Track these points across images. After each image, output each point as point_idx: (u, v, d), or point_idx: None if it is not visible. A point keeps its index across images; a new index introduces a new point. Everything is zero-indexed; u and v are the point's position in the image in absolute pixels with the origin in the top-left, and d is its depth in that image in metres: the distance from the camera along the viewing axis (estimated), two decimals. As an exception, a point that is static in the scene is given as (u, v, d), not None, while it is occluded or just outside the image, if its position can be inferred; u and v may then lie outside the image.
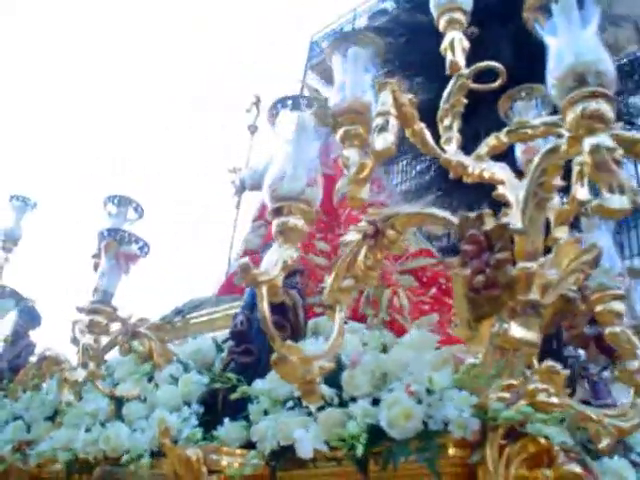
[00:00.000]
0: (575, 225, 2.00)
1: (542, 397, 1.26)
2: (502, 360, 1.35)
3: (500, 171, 1.59)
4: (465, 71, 1.96)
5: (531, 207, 1.39)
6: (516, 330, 1.35)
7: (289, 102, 1.58)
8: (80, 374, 1.93)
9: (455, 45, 2.04)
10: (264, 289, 1.38)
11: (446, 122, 2.00)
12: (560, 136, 1.54)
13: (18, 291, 2.86)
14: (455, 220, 1.44)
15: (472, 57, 2.78)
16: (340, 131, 1.73)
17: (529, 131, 1.73)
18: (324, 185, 3.26)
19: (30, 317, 2.85)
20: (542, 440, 1.25)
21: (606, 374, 2.38)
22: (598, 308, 1.80)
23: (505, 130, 1.75)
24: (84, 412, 1.94)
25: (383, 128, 1.57)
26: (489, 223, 1.38)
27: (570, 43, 1.34)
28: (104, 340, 2.09)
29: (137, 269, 2.20)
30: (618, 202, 1.18)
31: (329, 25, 12.20)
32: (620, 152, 1.22)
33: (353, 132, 1.70)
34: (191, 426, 1.75)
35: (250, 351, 1.83)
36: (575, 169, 1.65)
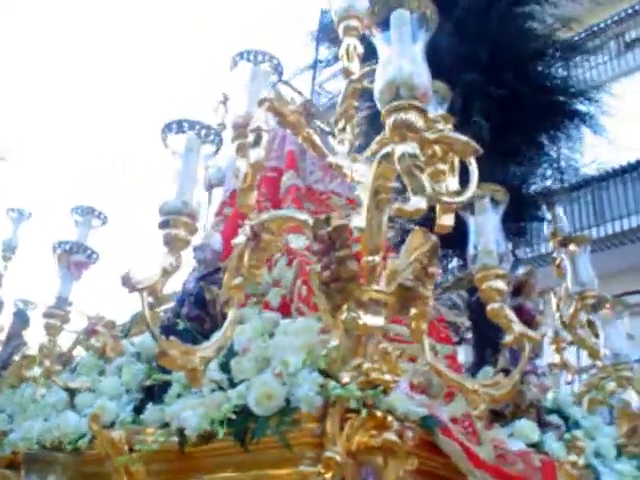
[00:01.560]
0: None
1: (375, 374, 1.45)
2: (353, 343, 1.55)
3: (365, 173, 1.76)
4: (355, 77, 2.12)
5: (372, 207, 1.56)
6: (364, 317, 1.54)
7: (174, 126, 1.78)
8: (36, 371, 2.22)
9: (350, 52, 2.20)
10: (144, 295, 1.60)
11: (340, 125, 2.18)
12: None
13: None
14: (310, 222, 1.63)
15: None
16: (235, 143, 1.93)
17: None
18: (275, 178, 3.46)
19: (21, 319, 3.18)
20: (378, 413, 1.44)
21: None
22: (482, 286, 1.95)
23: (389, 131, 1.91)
24: (45, 404, 2.23)
25: (256, 143, 1.76)
26: (334, 224, 1.56)
27: (392, 58, 1.49)
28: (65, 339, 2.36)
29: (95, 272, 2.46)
30: (415, 204, 1.34)
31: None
32: (421, 159, 1.38)
33: (245, 145, 1.90)
34: (127, 411, 2.01)
35: (176, 344, 2.07)
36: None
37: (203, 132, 1.79)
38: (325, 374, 1.56)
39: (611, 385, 2.89)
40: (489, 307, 1.94)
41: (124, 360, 2.28)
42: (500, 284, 1.95)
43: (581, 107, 3.95)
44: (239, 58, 2.09)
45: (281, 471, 1.54)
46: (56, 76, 18.23)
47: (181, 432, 1.76)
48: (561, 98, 3.81)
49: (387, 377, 1.46)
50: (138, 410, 2.01)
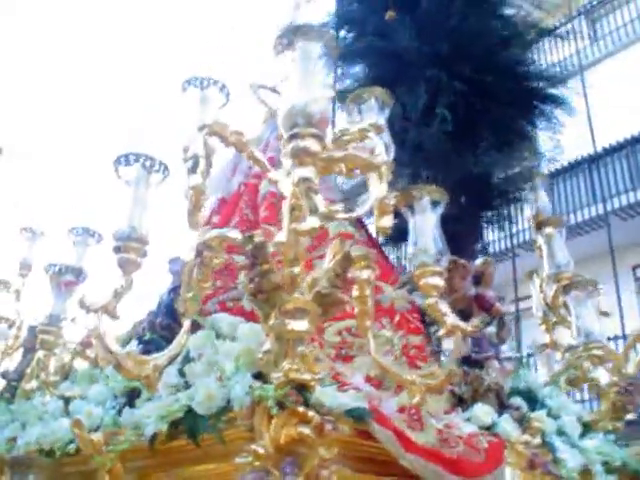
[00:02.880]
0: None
1: (293, 375, 1.62)
2: (280, 346, 1.72)
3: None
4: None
5: (289, 223, 1.72)
6: (290, 323, 1.72)
7: (122, 159, 1.98)
8: (33, 383, 2.47)
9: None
10: (100, 314, 1.81)
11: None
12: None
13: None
14: (240, 240, 1.80)
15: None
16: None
17: (348, 137, 2.06)
18: (254, 185, 3.62)
19: (33, 334, 3.45)
20: (300, 409, 1.61)
21: (489, 329, 2.66)
22: (420, 282, 2.08)
23: (331, 140, 2.07)
24: (43, 411, 2.48)
25: (193, 169, 1.94)
26: (256, 241, 1.73)
27: (293, 87, 1.65)
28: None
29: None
30: (310, 223, 1.51)
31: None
32: (316, 181, 1.54)
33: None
34: (110, 415, 2.24)
35: (149, 351, 2.28)
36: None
37: (148, 164, 1.98)
38: (260, 376, 1.75)
39: (587, 364, 2.99)
40: (426, 302, 2.08)
41: (111, 369, 2.51)
42: (437, 280, 2.09)
43: (554, 91, 3.99)
44: (187, 84, 2.28)
45: (226, 464, 1.74)
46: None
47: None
48: (534, 84, 3.86)
49: (306, 376, 1.63)
50: (120, 414, 2.24)
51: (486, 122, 3.66)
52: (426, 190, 2.23)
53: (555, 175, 9.66)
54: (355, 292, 2.00)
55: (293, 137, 1.58)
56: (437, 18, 3.56)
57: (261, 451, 1.56)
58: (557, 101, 4.01)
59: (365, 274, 1.96)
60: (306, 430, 1.55)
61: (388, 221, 2.03)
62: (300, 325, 1.71)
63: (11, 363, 3.62)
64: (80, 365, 2.94)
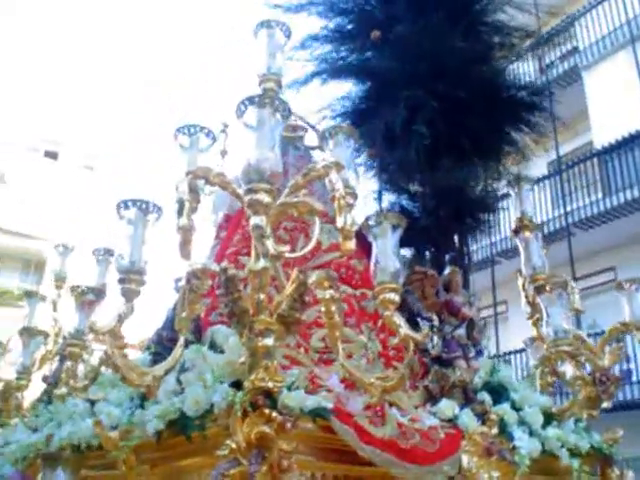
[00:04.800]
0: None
1: (260, 383, 1.99)
2: (252, 359, 2.09)
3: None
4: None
5: (256, 256, 2.08)
6: (259, 340, 2.08)
7: (122, 204, 2.36)
8: (64, 389, 2.91)
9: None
10: (107, 337, 2.21)
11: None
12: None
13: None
14: (217, 272, 2.17)
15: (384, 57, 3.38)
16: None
17: (315, 173, 2.41)
18: None
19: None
20: (266, 410, 1.98)
21: (458, 332, 2.97)
22: (379, 297, 2.41)
23: (302, 173, 2.42)
24: (73, 412, 2.91)
25: (179, 212, 2.32)
26: (228, 274, 2.09)
27: (249, 147, 2.00)
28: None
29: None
30: (260, 264, 1.86)
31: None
32: (268, 229, 1.89)
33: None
34: (126, 415, 2.65)
35: (157, 361, 2.69)
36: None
37: (144, 207, 2.36)
38: (238, 384, 2.12)
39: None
40: (385, 314, 2.42)
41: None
42: (393, 296, 2.42)
43: (534, 99, 4.20)
44: (177, 132, 2.65)
45: (213, 457, 2.12)
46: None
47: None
48: (512, 93, 4.08)
49: (269, 384, 2.00)
50: (133, 414, 2.65)
51: (463, 135, 3.91)
52: (386, 216, 2.55)
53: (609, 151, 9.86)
54: (323, 308, 2.36)
55: (248, 191, 1.93)
56: (415, 38, 3.83)
57: (234, 445, 1.94)
58: (537, 108, 4.23)
59: (328, 294, 2.31)
60: (267, 428, 1.92)
61: (351, 245, 2.38)
62: (268, 341, 2.08)
63: (51, 367, 4.10)
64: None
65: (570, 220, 10.70)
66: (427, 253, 3.91)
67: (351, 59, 4.38)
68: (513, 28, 4.40)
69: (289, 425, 1.97)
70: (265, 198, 1.92)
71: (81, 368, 3.28)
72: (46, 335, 3.76)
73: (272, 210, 1.96)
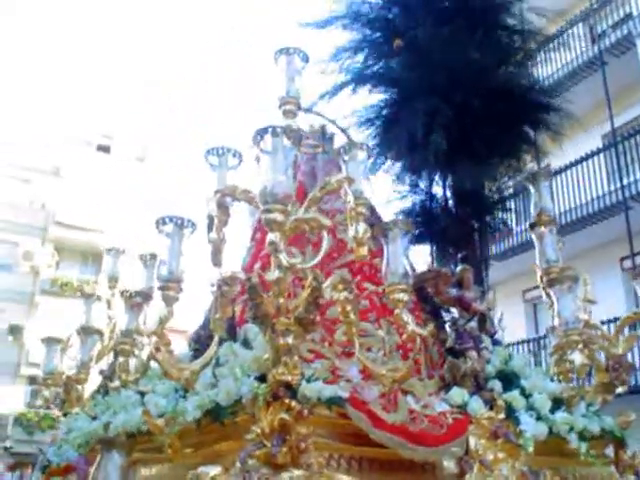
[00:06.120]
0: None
1: (280, 377, 2.29)
2: (274, 356, 2.39)
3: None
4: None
5: (275, 267, 2.37)
6: (281, 339, 2.38)
7: (160, 221, 2.70)
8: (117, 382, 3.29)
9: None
10: (153, 338, 2.55)
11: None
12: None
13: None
14: (243, 280, 2.48)
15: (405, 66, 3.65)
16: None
17: (329, 187, 2.70)
18: None
19: (120, 339, 4.33)
20: (286, 400, 2.28)
21: (471, 324, 3.21)
22: (390, 297, 2.68)
23: (318, 187, 2.71)
24: (127, 402, 3.29)
25: (209, 227, 2.64)
26: (251, 282, 2.40)
27: (264, 173, 2.29)
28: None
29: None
30: (275, 275, 2.16)
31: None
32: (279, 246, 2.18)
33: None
34: (171, 405, 3.00)
35: (196, 357, 3.03)
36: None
37: (179, 222, 2.69)
38: (263, 377, 2.43)
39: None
40: (395, 312, 2.69)
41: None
42: (402, 295, 2.68)
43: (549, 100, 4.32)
44: (207, 154, 2.97)
45: (242, 441, 2.44)
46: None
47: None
48: (529, 96, 4.23)
49: (288, 378, 2.30)
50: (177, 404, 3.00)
51: (478, 140, 4.10)
52: (396, 223, 2.82)
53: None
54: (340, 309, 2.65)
55: (265, 211, 2.23)
56: (431, 48, 4.04)
57: (259, 431, 2.25)
58: (551, 109, 4.36)
59: (342, 295, 2.60)
60: (286, 416, 2.22)
61: (364, 250, 2.66)
62: (287, 340, 2.38)
63: (108, 362, 4.53)
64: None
65: (627, 194, 10.46)
66: (451, 250, 4.14)
67: (377, 67, 4.61)
68: (531, 31, 4.54)
69: (306, 412, 2.27)
70: (279, 217, 2.21)
71: (132, 363, 3.67)
72: (101, 333, 4.15)
73: (287, 225, 2.25)
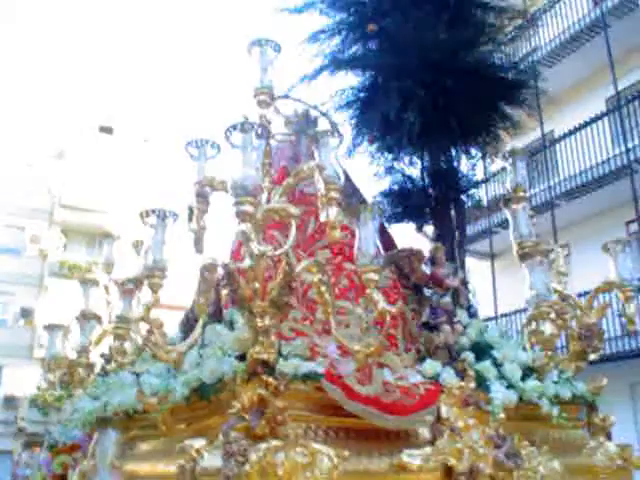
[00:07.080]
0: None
1: (257, 355, 2.47)
2: (252, 336, 2.57)
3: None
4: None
5: (248, 254, 2.54)
6: (258, 320, 2.56)
7: (144, 213, 2.86)
8: (113, 364, 3.49)
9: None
10: (137, 323, 2.73)
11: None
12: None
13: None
14: (220, 266, 2.65)
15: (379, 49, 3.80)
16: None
17: (302, 174, 2.85)
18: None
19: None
20: (263, 377, 2.47)
21: (444, 299, 3.38)
22: (363, 277, 2.84)
23: (292, 174, 2.87)
24: (122, 383, 3.51)
25: (189, 218, 2.80)
26: (229, 269, 2.57)
27: (236, 166, 2.44)
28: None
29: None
30: (247, 263, 2.33)
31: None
32: (251, 236, 2.35)
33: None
34: (164, 384, 3.21)
35: (186, 338, 3.22)
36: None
37: (162, 214, 2.85)
38: (243, 357, 2.62)
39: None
40: (366, 291, 2.85)
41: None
42: (372, 275, 2.84)
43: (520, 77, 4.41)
44: (188, 145, 3.13)
45: (226, 416, 2.64)
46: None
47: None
48: (502, 75, 4.33)
49: (264, 356, 2.48)
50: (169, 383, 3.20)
51: (452, 119, 4.21)
52: (366, 207, 2.97)
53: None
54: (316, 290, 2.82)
55: (236, 203, 2.39)
56: (401, 31, 4.14)
57: (239, 406, 2.44)
58: (523, 86, 4.45)
59: (316, 277, 2.77)
60: (264, 391, 2.41)
61: (336, 234, 2.83)
62: (265, 321, 2.56)
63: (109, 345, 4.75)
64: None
65: (632, 157, 10.42)
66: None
67: (353, 51, 4.72)
68: (504, 8, 4.61)
69: (282, 387, 2.46)
70: (249, 209, 2.37)
71: (128, 345, 3.87)
72: (99, 318, 4.35)
73: (258, 215, 2.42)
